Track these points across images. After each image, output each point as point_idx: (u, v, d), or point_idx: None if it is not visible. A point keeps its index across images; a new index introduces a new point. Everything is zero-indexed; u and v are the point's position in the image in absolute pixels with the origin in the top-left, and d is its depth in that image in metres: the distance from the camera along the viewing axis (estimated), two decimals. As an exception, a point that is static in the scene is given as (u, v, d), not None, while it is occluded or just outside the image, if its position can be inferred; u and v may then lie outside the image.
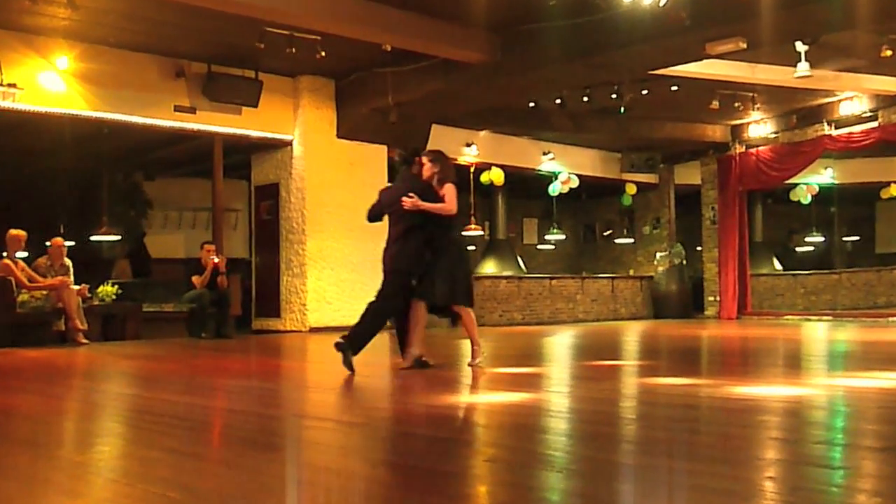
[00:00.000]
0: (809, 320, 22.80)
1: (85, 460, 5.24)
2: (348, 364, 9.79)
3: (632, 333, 18.60)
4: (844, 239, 33.40)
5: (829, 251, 32.36)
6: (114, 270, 22.98)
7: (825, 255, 31.86)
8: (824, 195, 27.16)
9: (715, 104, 19.78)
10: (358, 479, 4.63)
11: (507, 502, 4.28)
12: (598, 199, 30.30)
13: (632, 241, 28.83)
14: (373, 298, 10.45)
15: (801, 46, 15.75)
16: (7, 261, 15.21)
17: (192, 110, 17.53)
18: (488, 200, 27.53)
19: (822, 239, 31.03)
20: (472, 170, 22.73)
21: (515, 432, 6.17)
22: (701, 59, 15.85)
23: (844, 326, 20.13)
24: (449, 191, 10.26)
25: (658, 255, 26.60)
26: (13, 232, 15.52)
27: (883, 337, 16.15)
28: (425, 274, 10.28)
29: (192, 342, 16.29)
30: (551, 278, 24.75)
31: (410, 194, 10.11)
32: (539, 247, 31.70)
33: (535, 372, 10.58)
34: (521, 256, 28.38)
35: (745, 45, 14.19)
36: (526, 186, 27.00)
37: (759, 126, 23.29)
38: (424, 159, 10.51)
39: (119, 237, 22.61)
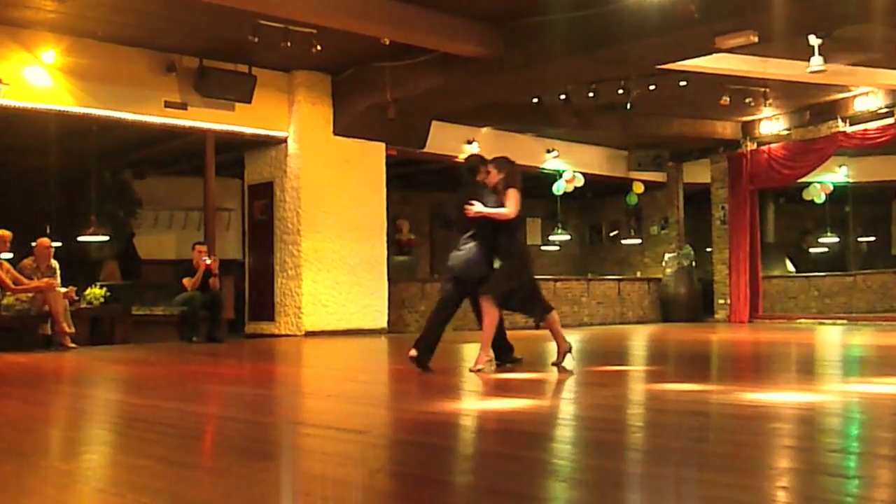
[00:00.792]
0: (823, 324, 22.80)
1: (71, 469, 5.23)
2: (425, 367, 10.56)
3: (639, 337, 18.61)
4: (860, 240, 33.32)
5: (844, 252, 32.28)
6: (102, 272, 22.97)
7: (839, 257, 31.78)
8: (839, 194, 27.09)
9: (725, 100, 19.76)
10: (356, 489, 4.62)
11: (510, 513, 4.28)
12: (604, 199, 30.31)
13: (639, 241, 28.85)
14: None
15: (814, 40, 15.72)
16: (-9, 262, 15.22)
17: (184, 106, 17.54)
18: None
19: (836, 240, 30.92)
20: (473, 168, 22.72)
21: (518, 440, 6.16)
22: (711, 54, 15.86)
23: (860, 330, 20.12)
24: (511, 196, 10.72)
25: (666, 256, 26.61)
26: (-3, 232, 15.53)
27: (899, 341, 16.16)
28: (491, 278, 10.92)
29: (182, 346, 16.28)
30: (555, 280, 24.74)
31: (472, 202, 10.56)
32: (543, 248, 31.65)
33: (539, 377, 10.57)
34: (524, 258, 28.34)
35: (756, 39, 14.19)
36: (529, 185, 26.71)
37: (771, 122, 23.29)
38: (490, 167, 11.06)
39: (107, 238, 22.58)
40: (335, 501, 4.41)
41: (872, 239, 33.64)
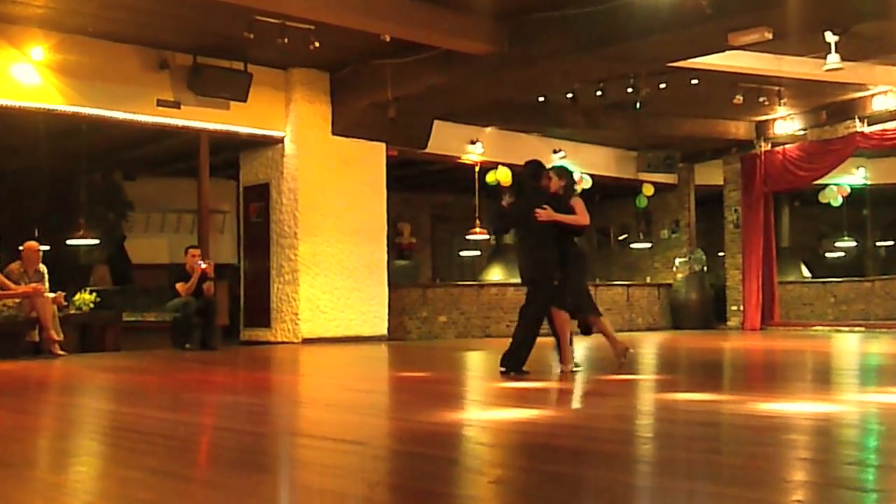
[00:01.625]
0: (840, 331, 22.81)
1: (60, 481, 5.24)
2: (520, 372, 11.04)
3: (649, 345, 18.62)
4: (878, 244, 33.26)
5: (862, 257, 32.28)
6: (92, 277, 22.99)
7: (857, 262, 31.79)
8: (856, 197, 27.06)
9: (738, 99, 19.75)
10: (354, 503, 4.63)
11: (514, 527, 4.28)
12: (612, 201, 30.21)
13: (649, 245, 28.82)
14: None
15: (831, 36, 15.73)
16: (-23, 267, 15.22)
17: (177, 105, 17.54)
18: (494, 202, 27.50)
19: (853, 244, 30.91)
20: (476, 169, 22.74)
21: (523, 452, 6.18)
22: (723, 51, 15.85)
23: (878, 338, 20.12)
24: (578, 204, 11.51)
25: (677, 261, 26.60)
26: (-17, 236, 15.53)
27: (919, 349, 16.17)
28: (558, 284, 11.40)
29: (175, 354, 16.28)
30: (562, 286, 24.71)
31: (545, 206, 11.16)
32: (549, 252, 31.65)
33: (544, 386, 10.58)
34: (529, 262, 28.32)
35: (770, 36, 14.18)
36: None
37: (786, 122, 23.28)
38: (551, 174, 11.67)
39: (97, 241, 22.56)
40: (333, 515, 4.41)
41: (891, 243, 33.59)
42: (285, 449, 6.48)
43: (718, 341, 19.52)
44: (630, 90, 18.61)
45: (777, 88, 19.99)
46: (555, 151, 24.34)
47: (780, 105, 21.18)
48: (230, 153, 20.17)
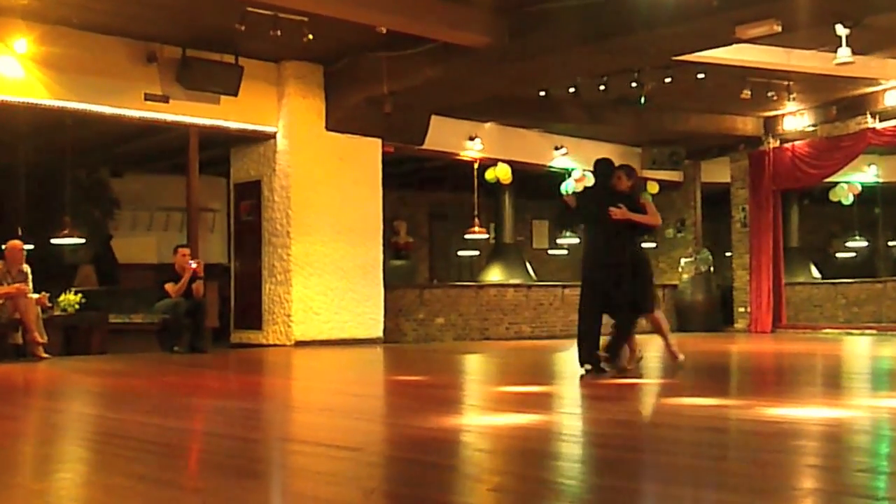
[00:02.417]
0: (851, 334, 22.82)
1: (44, 488, 5.24)
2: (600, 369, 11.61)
3: (653, 348, 18.59)
4: (890, 244, 33.23)
5: (873, 257, 32.25)
6: (77, 277, 22.95)
7: (869, 262, 31.77)
8: (868, 195, 27.01)
9: (746, 94, 19.75)
10: (348, 511, 4.63)
11: (514, 536, 4.29)
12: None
13: (653, 245, 28.80)
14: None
15: (842, 29, 15.70)
16: (-42, 267, 15.22)
17: (165, 99, 17.53)
18: (494, 200, 27.54)
19: (865, 244, 30.85)
20: (475, 166, 22.75)
21: (523, 458, 6.18)
22: (730, 44, 15.86)
23: (890, 341, 20.15)
24: (649, 203, 12.36)
25: (683, 261, 26.60)
26: (-35, 234, 15.51)
27: (933, 353, 16.17)
28: (629, 282, 11.94)
29: (163, 357, 16.29)
30: (564, 286, 24.73)
31: (620, 205, 11.64)
32: (550, 252, 31.68)
33: (546, 391, 10.59)
34: (530, 262, 28.35)
35: (779, 28, 14.17)
36: (536, 185, 26.97)
37: (795, 118, 23.27)
38: (620, 173, 12.12)
39: (83, 240, 22.48)
40: (327, 524, 4.42)
41: (903, 242, 33.62)
42: (277, 455, 6.48)
43: (725, 344, 19.54)
44: (634, 84, 18.61)
45: (786, 83, 20.00)
46: (556, 148, 24.36)
47: (789, 100, 21.17)
48: (220, 149, 20.13)
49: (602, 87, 18.88)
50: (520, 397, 9.89)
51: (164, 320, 17.05)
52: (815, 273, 29.25)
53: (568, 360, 16.28)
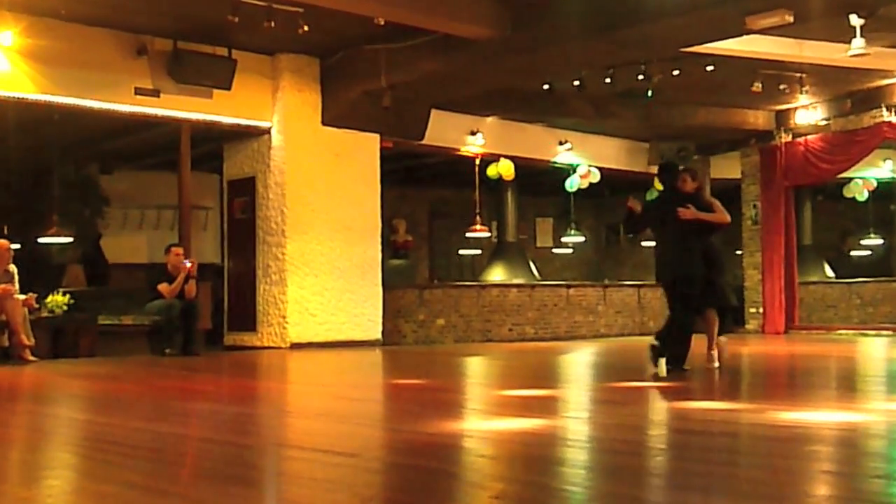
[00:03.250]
0: (866, 335, 22.82)
1: (32, 496, 5.24)
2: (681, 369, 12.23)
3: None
4: (906, 241, 33.31)
5: (889, 256, 32.18)
6: (65, 277, 22.96)
7: (884, 261, 31.68)
8: (883, 191, 27.03)
9: (757, 86, 19.75)
10: (346, 519, 4.63)
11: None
12: (622, 196, 30.15)
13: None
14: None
15: (856, 20, 15.73)
16: (-58, 266, 15.22)
17: (156, 93, 17.52)
18: (496, 197, 27.53)
19: (880, 241, 30.79)
20: (477, 162, 22.75)
21: (527, 464, 6.18)
22: (741, 35, 15.85)
23: (906, 342, 20.14)
24: (716, 202, 12.84)
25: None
26: (-50, 233, 15.52)
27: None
28: (718, 292, 13.12)
29: (155, 360, 16.29)
30: (569, 286, 24.76)
31: (688, 205, 12.25)
32: (554, 250, 31.70)
33: (550, 395, 10.59)
34: (533, 261, 28.36)
35: (791, 19, 14.17)
36: (539, 181, 27.02)
37: (808, 112, 23.25)
38: (685, 176, 12.74)
39: (71, 239, 22.54)
40: (324, 532, 4.42)
41: (920, 240, 33.58)
42: (273, 461, 6.49)
43: (736, 346, 19.45)
44: (641, 77, 18.60)
45: (798, 75, 19.99)
46: (561, 143, 24.35)
47: (801, 93, 21.16)
48: (213, 145, 20.14)
49: (608, 80, 18.86)
50: (523, 401, 9.90)
51: (157, 322, 17.02)
52: (829, 272, 29.23)
53: (574, 362, 16.30)
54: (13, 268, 15.86)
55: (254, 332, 19.34)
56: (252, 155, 19.57)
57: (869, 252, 31.14)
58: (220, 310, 20.19)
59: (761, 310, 24.76)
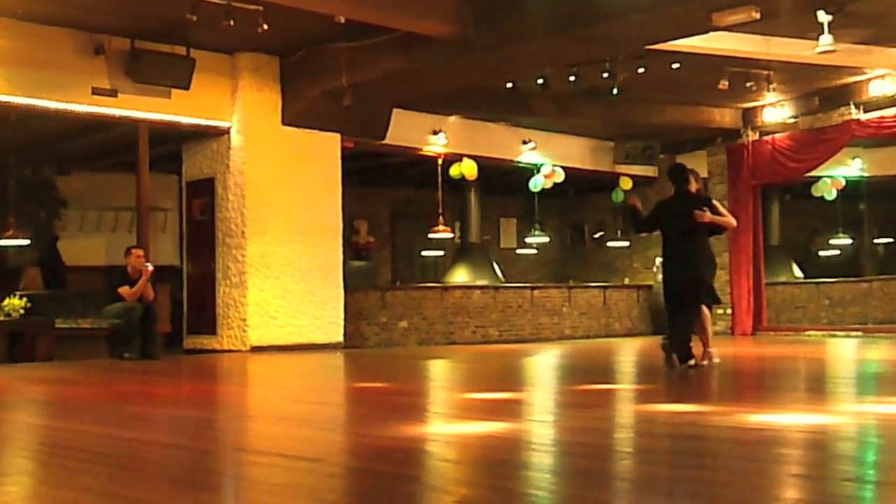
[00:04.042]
0: (835, 336, 22.91)
1: (-13, 504, 5.23)
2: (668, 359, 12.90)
3: (627, 352, 18.68)
4: (875, 241, 33.34)
5: (858, 255, 32.32)
6: (22, 280, 22.85)
7: (853, 260, 31.82)
8: (852, 190, 27.12)
9: (724, 84, 19.81)
10: (308, 525, 4.63)
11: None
12: (587, 196, 30.33)
13: (627, 244, 28.86)
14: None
15: (824, 16, 15.79)
16: None
17: (113, 93, 17.46)
18: (459, 197, 27.48)
19: (849, 241, 30.90)
20: (439, 162, 22.74)
21: (491, 468, 6.18)
22: (707, 32, 15.89)
23: (876, 344, 20.23)
24: (719, 205, 13.40)
25: (657, 260, 26.62)
26: None
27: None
28: (708, 289, 13.58)
29: (113, 364, 16.26)
30: (533, 288, 24.79)
31: (704, 208, 12.80)
32: (518, 251, 31.68)
33: (515, 398, 10.61)
34: (497, 263, 28.30)
35: (758, 15, 14.21)
36: (503, 181, 27.02)
37: (776, 110, 23.33)
38: (691, 177, 13.35)
39: (28, 241, 22.45)
40: (286, 539, 4.42)
41: (890, 240, 33.68)
42: (232, 466, 6.48)
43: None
44: (606, 75, 18.63)
45: (766, 73, 20.06)
46: (524, 142, 24.36)
47: (768, 91, 21.23)
48: (172, 145, 20.06)
49: (572, 79, 18.89)
50: (487, 404, 9.90)
51: (116, 325, 16.95)
52: (798, 272, 29.29)
53: (538, 364, 16.32)
54: (-32, 271, 15.81)
55: (213, 335, 19.29)
56: (211, 155, 19.53)
57: (838, 252, 31.26)
58: (179, 313, 20.12)
59: (729, 311, 24.80)
